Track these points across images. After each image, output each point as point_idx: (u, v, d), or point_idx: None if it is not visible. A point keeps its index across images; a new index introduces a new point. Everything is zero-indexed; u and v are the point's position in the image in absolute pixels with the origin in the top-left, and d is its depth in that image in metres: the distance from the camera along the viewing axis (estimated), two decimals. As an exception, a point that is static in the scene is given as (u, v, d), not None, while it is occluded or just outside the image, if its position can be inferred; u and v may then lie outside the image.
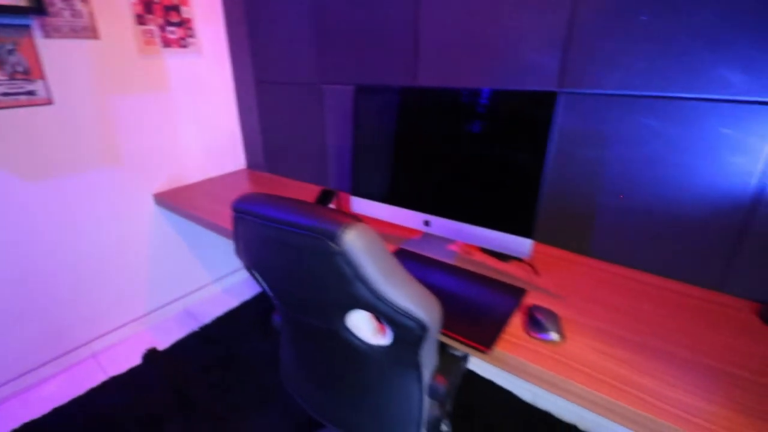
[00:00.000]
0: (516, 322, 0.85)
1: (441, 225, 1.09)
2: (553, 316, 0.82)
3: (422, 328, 0.65)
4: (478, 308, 0.89)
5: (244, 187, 1.76)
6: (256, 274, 0.78)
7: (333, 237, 0.55)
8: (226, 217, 1.44)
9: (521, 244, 0.96)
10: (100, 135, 1.51)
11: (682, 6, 0.84)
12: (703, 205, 0.92)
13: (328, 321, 0.71)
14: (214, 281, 2.10)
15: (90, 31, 1.42)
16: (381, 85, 1.12)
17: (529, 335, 0.81)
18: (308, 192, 1.68)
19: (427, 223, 1.11)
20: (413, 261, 1.09)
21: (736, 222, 0.90)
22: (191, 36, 1.70)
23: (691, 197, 0.93)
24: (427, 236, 1.23)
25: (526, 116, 0.89)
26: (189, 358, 1.64)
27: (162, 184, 1.75)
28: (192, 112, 1.78)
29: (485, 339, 0.79)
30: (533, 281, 1.00)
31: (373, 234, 0.58)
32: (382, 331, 0.75)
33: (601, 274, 1.03)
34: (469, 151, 1.00)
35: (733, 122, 0.84)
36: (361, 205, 1.25)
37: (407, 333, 0.66)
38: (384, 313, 0.62)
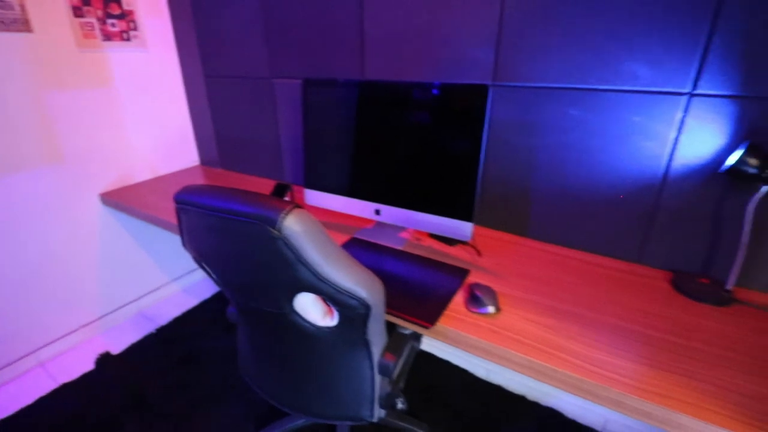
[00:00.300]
0: (459, 300, 0.91)
1: (390, 213, 1.13)
2: (491, 292, 0.89)
3: (365, 306, 0.69)
4: (425, 289, 0.94)
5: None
6: (205, 266, 0.79)
7: (273, 223, 0.58)
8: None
9: (464, 228, 1.02)
10: (39, 133, 1.44)
11: (597, 6, 0.93)
12: (621, 185, 1.02)
13: (277, 306, 0.74)
14: (171, 281, 2.05)
15: (22, 24, 1.35)
16: (328, 78, 1.15)
17: (470, 310, 0.87)
18: (264, 186, 1.68)
19: (377, 212, 1.16)
20: (365, 249, 1.13)
21: (650, 200, 1.00)
22: (134, 29, 1.65)
23: (611, 179, 1.03)
24: (379, 225, 1.28)
25: (464, 107, 0.96)
26: (146, 361, 1.60)
27: (109, 184, 1.69)
28: (138, 108, 1.73)
29: (429, 316, 0.85)
30: (476, 262, 1.07)
31: (311, 218, 0.61)
32: (331, 314, 0.79)
33: (536, 252, 1.11)
34: (414, 141, 1.05)
35: (643, 111, 0.94)
36: (314, 197, 1.28)
37: (351, 312, 0.70)
38: (327, 293, 0.66)
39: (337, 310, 0.73)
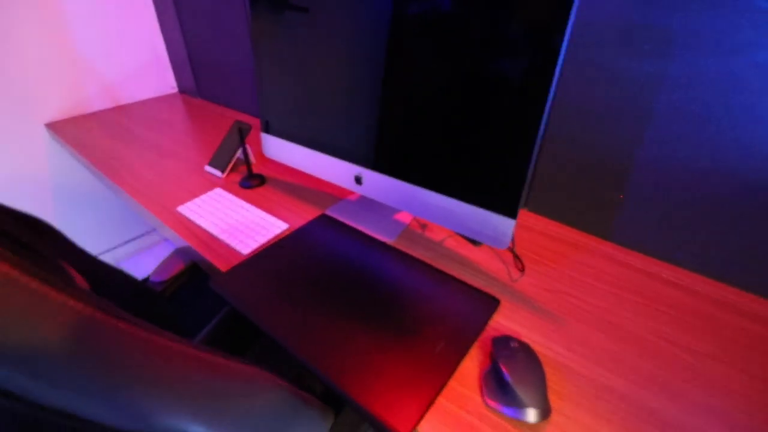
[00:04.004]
0: (472, 367, 0.48)
1: (377, 184, 0.68)
2: (534, 370, 0.45)
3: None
4: (407, 340, 0.52)
5: (161, 118, 1.34)
6: None
7: None
8: (122, 165, 1.05)
9: (498, 226, 0.56)
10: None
11: None
12: None
13: None
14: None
15: None
16: (281, -63, 0.65)
17: (487, 404, 0.44)
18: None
19: (358, 180, 0.71)
20: (333, 236, 0.70)
21: None
22: None
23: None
24: (366, 198, 0.83)
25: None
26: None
27: (56, 112, 1.34)
28: (89, 19, 1.32)
29: (401, 414, 0.43)
30: (514, 284, 0.61)
31: None
32: None
33: (629, 275, 0.63)
34: (421, 59, 0.56)
35: None
36: (274, 146, 0.84)
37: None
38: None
39: None
